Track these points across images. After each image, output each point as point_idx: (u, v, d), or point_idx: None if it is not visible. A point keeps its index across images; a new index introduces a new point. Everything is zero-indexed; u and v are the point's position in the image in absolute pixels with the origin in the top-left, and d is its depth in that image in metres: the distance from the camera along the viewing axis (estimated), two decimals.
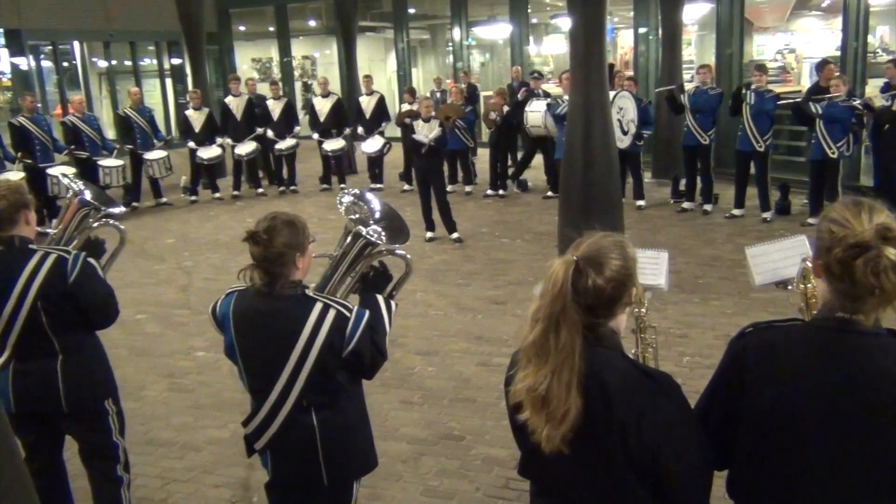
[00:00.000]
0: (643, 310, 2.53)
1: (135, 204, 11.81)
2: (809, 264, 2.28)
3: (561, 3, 16.89)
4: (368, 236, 2.91)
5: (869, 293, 1.68)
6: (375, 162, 12.33)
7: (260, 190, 12.58)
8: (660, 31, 12.54)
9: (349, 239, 2.95)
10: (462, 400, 5.07)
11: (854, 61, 10.70)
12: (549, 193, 10.87)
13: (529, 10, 16.92)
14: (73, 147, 11.11)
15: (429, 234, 9.05)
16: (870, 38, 12.72)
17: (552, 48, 22.13)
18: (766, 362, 1.82)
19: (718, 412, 1.92)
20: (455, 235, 8.98)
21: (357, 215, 3.08)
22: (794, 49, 19.75)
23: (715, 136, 9.88)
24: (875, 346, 1.73)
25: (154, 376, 5.74)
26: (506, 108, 11.53)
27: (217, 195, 12.26)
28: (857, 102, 8.47)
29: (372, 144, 11.98)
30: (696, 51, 19.94)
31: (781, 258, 3.16)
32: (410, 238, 3.28)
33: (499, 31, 18.50)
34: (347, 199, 3.18)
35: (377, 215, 3.16)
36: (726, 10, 11.91)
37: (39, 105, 11.36)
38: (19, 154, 10.63)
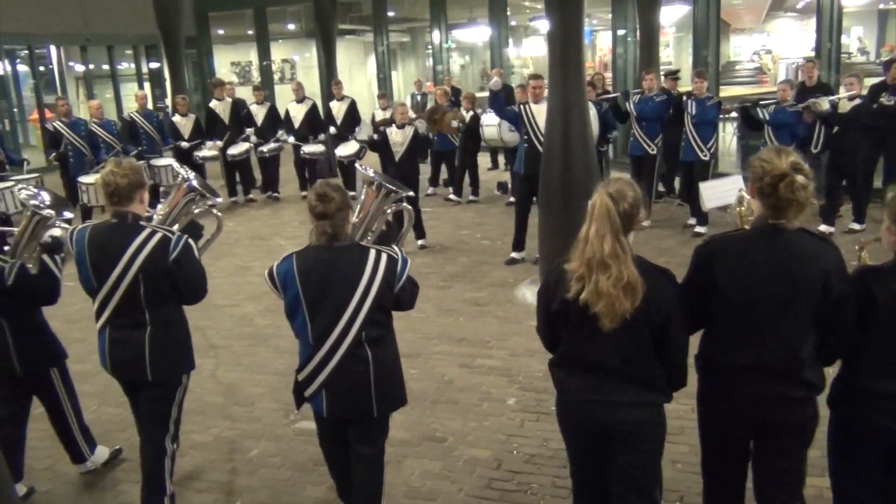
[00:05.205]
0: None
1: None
2: (744, 193, 3.28)
3: (540, 6, 16.97)
4: (387, 185, 3.66)
5: (789, 205, 2.64)
6: (349, 167, 11.84)
7: (235, 198, 12.16)
8: (638, 33, 12.63)
9: (371, 189, 3.71)
10: (445, 402, 5.09)
11: (828, 62, 10.85)
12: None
13: (508, 13, 16.99)
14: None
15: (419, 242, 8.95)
16: (844, 39, 12.90)
17: (531, 50, 22.22)
18: (727, 255, 2.79)
19: (695, 294, 2.83)
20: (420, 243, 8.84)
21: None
22: (771, 50, 19.95)
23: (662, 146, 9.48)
24: (797, 239, 2.70)
25: None
26: (470, 114, 11.23)
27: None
28: (800, 106, 8.34)
29: (346, 149, 11.53)
30: (674, 52, 20.10)
31: (724, 190, 4.59)
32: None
33: (478, 33, 18.58)
34: (363, 170, 4.01)
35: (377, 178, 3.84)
36: (703, 12, 12.01)
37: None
38: (54, 155, 10.57)
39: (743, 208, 3.37)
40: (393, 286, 3.19)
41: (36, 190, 4.45)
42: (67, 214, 4.17)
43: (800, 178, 2.60)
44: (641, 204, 2.75)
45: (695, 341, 2.93)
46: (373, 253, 3.19)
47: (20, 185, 4.98)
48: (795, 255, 2.67)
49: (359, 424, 3.34)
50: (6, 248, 4.06)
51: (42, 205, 4.07)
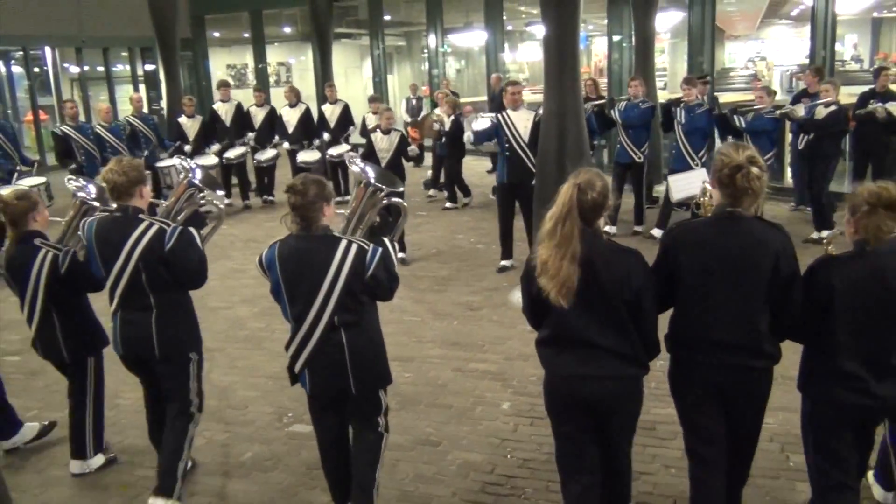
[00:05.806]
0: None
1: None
2: (708, 185, 3.42)
3: (536, 11, 17.00)
4: (376, 183, 3.86)
5: (745, 194, 2.93)
6: (339, 168, 11.81)
7: (227, 201, 12.06)
8: (633, 39, 12.66)
9: (360, 187, 3.90)
10: (438, 405, 5.09)
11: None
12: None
13: (504, 18, 17.03)
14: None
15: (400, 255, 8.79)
16: (838, 47, 12.97)
17: (527, 55, 22.28)
18: (688, 241, 3.08)
19: (661, 276, 3.10)
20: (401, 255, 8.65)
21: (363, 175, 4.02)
22: (765, 57, 20.02)
23: (649, 153, 9.28)
24: (751, 225, 2.98)
25: (128, 384, 5.66)
26: (451, 119, 11.13)
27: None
28: (777, 113, 8.31)
29: (338, 149, 11.46)
30: (669, 58, 20.15)
31: (689, 183, 4.91)
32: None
33: (474, 38, 18.58)
34: (356, 165, 4.22)
35: (372, 177, 3.99)
36: (698, 19, 12.08)
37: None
38: (73, 167, 10.22)
39: (707, 199, 3.67)
40: (362, 275, 3.36)
41: (84, 182, 4.80)
42: (218, 192, 4.49)
43: (754, 170, 2.90)
44: (610, 193, 2.97)
45: (665, 322, 3.16)
46: (343, 243, 3.38)
47: (69, 178, 5.13)
48: (749, 239, 2.95)
49: (347, 401, 3.54)
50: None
51: (89, 196, 4.45)
